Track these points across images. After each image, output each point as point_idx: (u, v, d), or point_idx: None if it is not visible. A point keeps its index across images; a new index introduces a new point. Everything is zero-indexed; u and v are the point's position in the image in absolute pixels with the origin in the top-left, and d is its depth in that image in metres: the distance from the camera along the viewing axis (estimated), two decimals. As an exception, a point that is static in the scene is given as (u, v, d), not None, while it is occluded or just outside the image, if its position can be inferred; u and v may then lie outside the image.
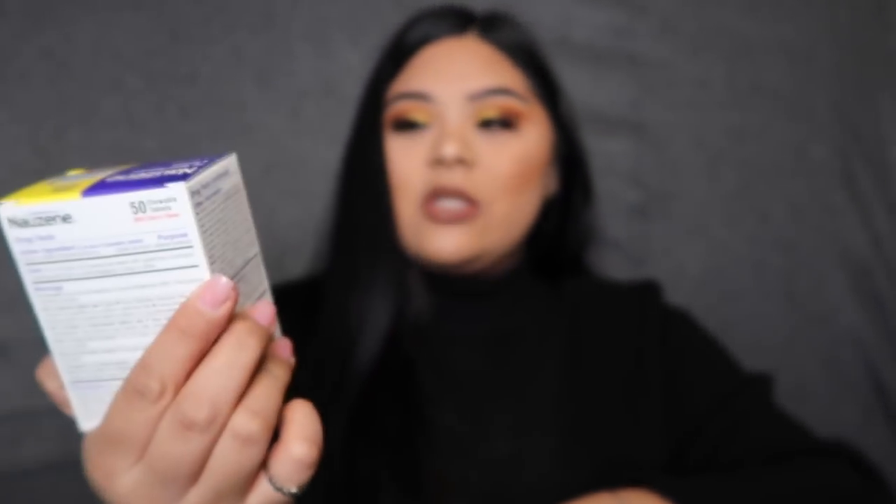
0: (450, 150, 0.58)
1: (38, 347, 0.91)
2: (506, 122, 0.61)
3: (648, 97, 0.92)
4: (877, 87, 0.94)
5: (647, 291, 0.70)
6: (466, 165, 0.59)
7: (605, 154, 0.92)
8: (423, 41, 0.64)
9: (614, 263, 0.93)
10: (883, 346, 0.94)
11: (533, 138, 0.63)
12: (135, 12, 0.85)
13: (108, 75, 0.84)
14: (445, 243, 0.59)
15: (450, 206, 0.59)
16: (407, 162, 0.61)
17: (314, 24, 0.88)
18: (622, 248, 0.92)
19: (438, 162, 0.59)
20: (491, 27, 0.66)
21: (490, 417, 0.61)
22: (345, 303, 0.62)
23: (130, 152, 0.85)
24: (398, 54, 0.65)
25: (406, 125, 0.61)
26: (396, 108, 0.62)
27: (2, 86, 0.82)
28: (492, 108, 0.61)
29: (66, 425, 0.81)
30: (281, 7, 0.88)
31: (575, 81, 0.91)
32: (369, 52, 0.69)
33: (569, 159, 0.68)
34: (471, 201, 0.59)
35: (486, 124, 0.61)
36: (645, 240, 0.93)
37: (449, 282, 0.64)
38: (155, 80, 0.85)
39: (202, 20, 0.86)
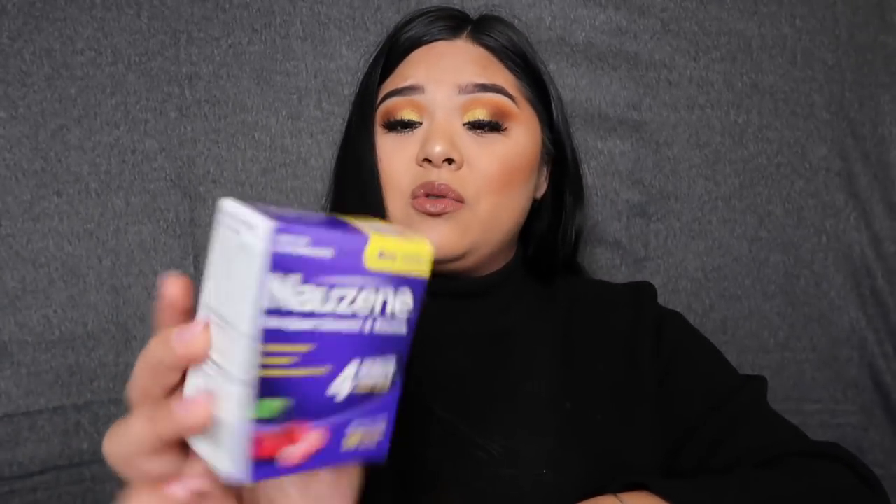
0: (438, 149, 0.58)
1: (38, 347, 0.91)
2: (495, 125, 0.61)
3: (648, 97, 0.92)
4: (877, 87, 0.94)
5: (642, 293, 0.70)
6: (454, 165, 0.59)
7: (605, 154, 0.92)
8: (417, 43, 0.64)
9: (614, 263, 0.93)
10: (883, 346, 0.94)
11: (521, 141, 0.63)
12: (135, 12, 0.85)
13: (108, 75, 0.84)
14: (433, 236, 0.59)
15: (437, 201, 0.60)
16: (396, 160, 0.61)
17: (314, 24, 0.88)
18: (622, 248, 0.92)
19: (426, 160, 0.59)
20: (484, 29, 0.65)
21: (483, 416, 0.61)
22: None
23: (130, 152, 0.85)
24: (391, 55, 0.65)
25: (396, 125, 0.62)
26: (387, 106, 0.62)
27: (2, 86, 0.82)
28: (481, 107, 0.61)
29: (66, 425, 0.81)
30: (280, 7, 0.88)
31: (575, 81, 0.91)
32: (369, 52, 0.69)
33: (559, 162, 0.68)
34: (457, 198, 0.60)
35: (475, 126, 0.61)
36: (645, 240, 0.93)
37: (441, 281, 0.64)
38: (155, 80, 0.85)
39: (202, 20, 0.86)
